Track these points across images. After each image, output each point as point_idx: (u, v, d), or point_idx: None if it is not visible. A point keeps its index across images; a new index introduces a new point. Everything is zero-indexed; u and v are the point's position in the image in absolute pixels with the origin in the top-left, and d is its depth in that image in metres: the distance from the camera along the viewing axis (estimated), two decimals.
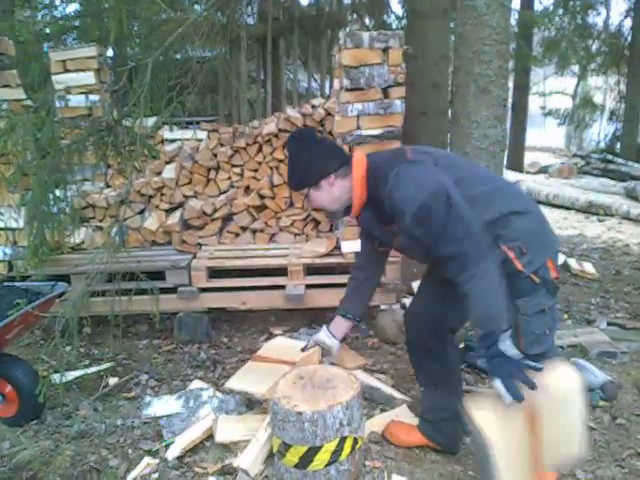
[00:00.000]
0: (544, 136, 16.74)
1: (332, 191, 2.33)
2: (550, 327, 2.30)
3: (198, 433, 2.71)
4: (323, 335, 2.83)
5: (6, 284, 3.33)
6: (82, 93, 4.59)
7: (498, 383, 1.97)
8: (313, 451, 2.25)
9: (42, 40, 7.21)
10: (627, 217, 7.76)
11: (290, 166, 2.40)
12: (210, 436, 2.73)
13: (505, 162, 9.45)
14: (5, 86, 4.39)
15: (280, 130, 4.30)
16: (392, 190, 2.16)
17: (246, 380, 2.87)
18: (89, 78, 4.61)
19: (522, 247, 2.17)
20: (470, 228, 2.09)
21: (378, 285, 2.90)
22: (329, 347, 2.83)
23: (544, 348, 2.28)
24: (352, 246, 3.85)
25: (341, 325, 2.81)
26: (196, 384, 3.22)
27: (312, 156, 2.32)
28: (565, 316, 4.28)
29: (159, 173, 4.52)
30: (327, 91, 8.42)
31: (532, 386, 1.94)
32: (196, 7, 7.18)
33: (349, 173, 2.31)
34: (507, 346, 2.03)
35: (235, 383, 2.89)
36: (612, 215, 7.98)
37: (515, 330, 2.23)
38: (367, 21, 9.44)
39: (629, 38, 11.59)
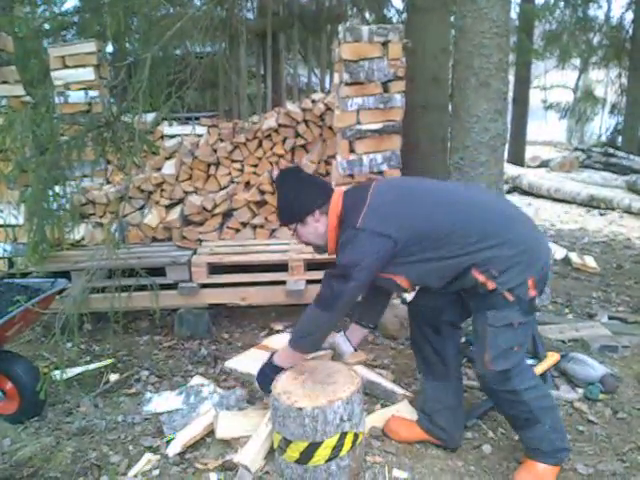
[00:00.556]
0: (545, 130, 16.69)
1: (317, 227, 2.46)
2: (519, 344, 2.30)
3: (199, 429, 2.71)
4: (340, 339, 2.91)
5: (6, 281, 3.33)
6: (81, 89, 4.59)
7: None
8: (314, 447, 2.25)
9: (41, 36, 7.20)
10: (628, 211, 7.75)
11: (278, 203, 2.52)
12: (211, 432, 2.73)
13: (506, 156, 9.44)
14: (4, 82, 4.38)
15: (280, 125, 4.30)
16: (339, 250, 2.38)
17: (245, 363, 2.93)
18: (88, 74, 4.60)
19: (493, 271, 2.21)
20: (342, 299, 2.29)
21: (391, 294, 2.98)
22: (343, 353, 2.88)
23: (510, 364, 2.28)
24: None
25: (357, 332, 2.94)
26: (197, 380, 3.21)
27: (297, 193, 2.45)
28: (566, 310, 4.28)
29: (159, 169, 4.52)
30: (327, 86, 8.39)
31: None
32: (195, 2, 7.16)
33: (326, 215, 2.44)
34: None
35: (234, 363, 2.99)
36: (613, 209, 7.97)
37: (482, 343, 2.30)
38: (367, 15, 9.40)
39: (630, 31, 11.54)
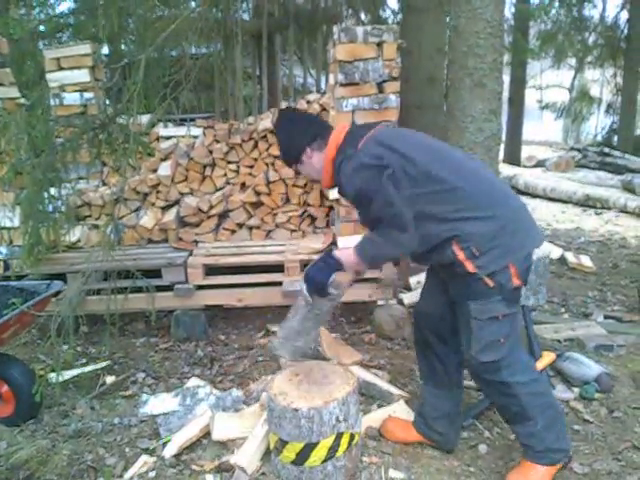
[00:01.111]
0: (541, 129, 16.71)
1: (312, 163, 2.44)
2: (506, 335, 2.25)
3: (195, 431, 2.72)
4: None
5: (1, 283, 3.32)
6: (76, 91, 4.57)
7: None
8: (310, 447, 2.25)
9: (36, 38, 7.17)
10: (624, 210, 7.76)
11: (279, 147, 2.56)
12: (207, 434, 2.73)
13: (502, 156, 9.44)
14: None
15: None
16: (337, 177, 2.35)
17: None
18: (83, 76, 4.59)
19: (473, 249, 2.15)
20: (394, 208, 2.17)
21: None
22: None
23: (497, 356, 2.25)
24: (348, 242, 3.85)
25: None
26: (193, 382, 3.21)
27: (290, 134, 2.46)
28: (562, 309, 4.29)
29: (154, 170, 4.51)
30: (323, 86, 8.39)
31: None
32: (191, 3, 7.15)
33: (324, 146, 2.39)
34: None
35: None
36: (609, 208, 7.98)
37: (468, 334, 2.28)
38: (363, 16, 9.40)
39: (625, 31, 11.57)
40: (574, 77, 15.69)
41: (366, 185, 2.21)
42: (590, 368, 3.14)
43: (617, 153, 10.82)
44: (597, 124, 14.65)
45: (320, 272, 2.34)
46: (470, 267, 2.17)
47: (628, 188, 8.65)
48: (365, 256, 2.30)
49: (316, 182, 2.62)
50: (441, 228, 2.19)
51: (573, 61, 14.64)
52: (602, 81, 14.47)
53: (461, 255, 2.17)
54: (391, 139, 2.30)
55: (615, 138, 12.32)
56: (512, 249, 2.19)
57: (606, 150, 11.06)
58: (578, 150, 12.03)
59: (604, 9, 12.54)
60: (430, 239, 2.22)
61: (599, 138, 13.59)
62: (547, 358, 3.12)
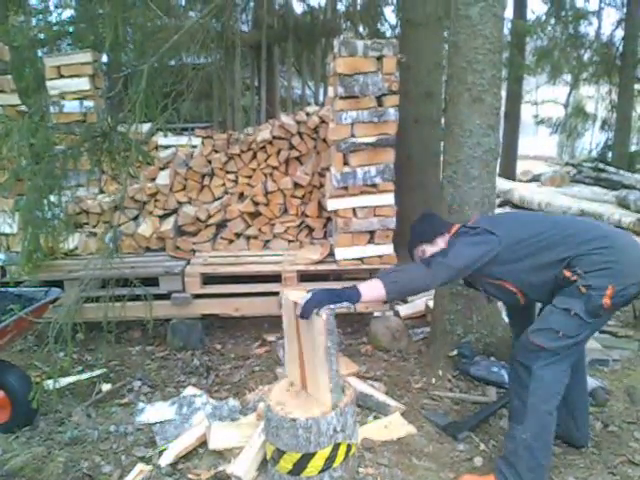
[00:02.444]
0: (536, 145, 16.80)
1: (441, 246, 2.62)
2: (566, 334, 2.32)
3: (191, 440, 2.72)
4: None
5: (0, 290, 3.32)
6: (77, 99, 4.60)
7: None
8: (307, 458, 2.25)
9: (37, 46, 7.20)
10: (619, 226, 7.78)
11: (413, 231, 2.79)
12: (203, 443, 2.73)
13: (497, 170, 9.48)
14: (0, 91, 4.38)
15: (274, 137, 4.32)
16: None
17: None
18: (84, 84, 4.62)
19: (579, 270, 2.33)
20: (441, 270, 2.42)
21: None
22: None
23: (546, 344, 2.32)
24: (346, 253, 3.87)
25: None
26: (189, 390, 3.22)
27: (430, 221, 2.79)
28: None
29: (153, 179, 4.53)
30: (321, 98, 8.44)
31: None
32: (191, 14, 7.20)
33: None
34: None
35: None
36: None
37: (538, 318, 2.45)
38: (361, 29, 9.47)
39: (620, 48, 11.66)
40: (569, 93, 15.81)
41: (462, 238, 2.53)
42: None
43: (612, 169, 10.86)
44: (592, 140, 14.73)
45: (330, 296, 2.31)
46: (573, 278, 2.35)
47: (623, 204, 8.68)
48: (393, 285, 2.37)
49: None
50: (558, 264, 2.40)
51: (569, 77, 14.75)
52: (597, 97, 14.56)
53: (568, 274, 2.37)
54: (494, 221, 2.67)
55: (610, 154, 12.38)
56: (618, 276, 2.32)
57: (601, 166, 11.10)
58: (573, 165, 12.08)
59: (600, 26, 12.66)
60: (548, 279, 2.44)
61: (594, 154, 13.66)
62: None
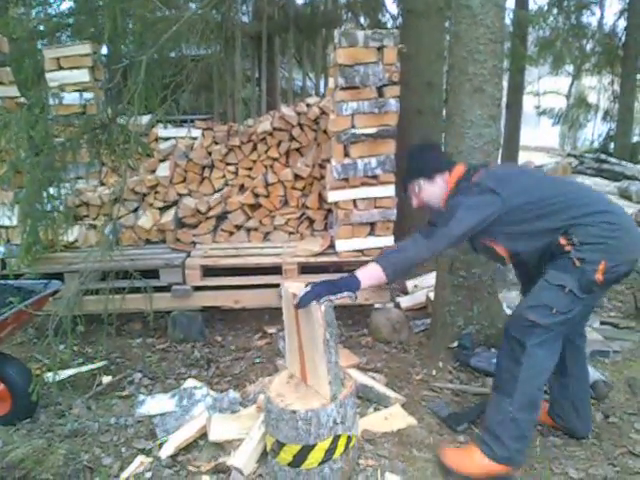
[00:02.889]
0: (538, 135, 16.73)
1: (441, 186, 2.64)
2: (560, 310, 2.34)
3: (192, 432, 2.72)
4: None
5: None
6: (76, 91, 4.57)
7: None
8: (307, 449, 2.25)
9: (36, 37, 7.16)
10: None
11: (410, 160, 2.76)
12: (204, 435, 2.73)
13: (499, 161, 9.43)
14: None
15: (275, 129, 4.31)
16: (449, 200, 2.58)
17: None
18: (83, 76, 4.58)
19: (575, 239, 2.31)
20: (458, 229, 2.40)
21: None
22: None
23: (540, 320, 2.34)
24: (346, 245, 3.86)
25: None
26: (190, 383, 3.21)
27: (433, 154, 2.76)
28: None
29: (153, 171, 4.52)
30: (322, 90, 8.42)
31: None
32: (191, 5, 7.16)
33: (449, 178, 2.64)
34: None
35: None
36: None
37: (531, 293, 2.43)
38: (362, 20, 9.43)
39: (623, 38, 11.59)
40: (571, 84, 15.71)
41: (464, 199, 2.44)
42: None
43: (614, 160, 10.82)
44: (594, 131, 14.68)
45: (329, 287, 2.29)
46: (567, 247, 2.33)
47: (625, 195, 8.65)
48: (392, 266, 2.36)
49: (423, 206, 2.77)
50: (556, 232, 2.37)
51: (571, 68, 14.67)
52: (599, 88, 14.49)
53: (563, 241, 2.34)
54: (502, 178, 2.53)
55: (612, 145, 12.35)
56: (613, 252, 2.32)
57: (603, 157, 11.07)
58: (575, 156, 12.05)
59: (602, 16, 12.59)
60: (543, 245, 2.42)
61: (596, 145, 13.62)
62: None
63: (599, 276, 2.30)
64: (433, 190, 2.67)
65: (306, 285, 2.31)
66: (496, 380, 2.52)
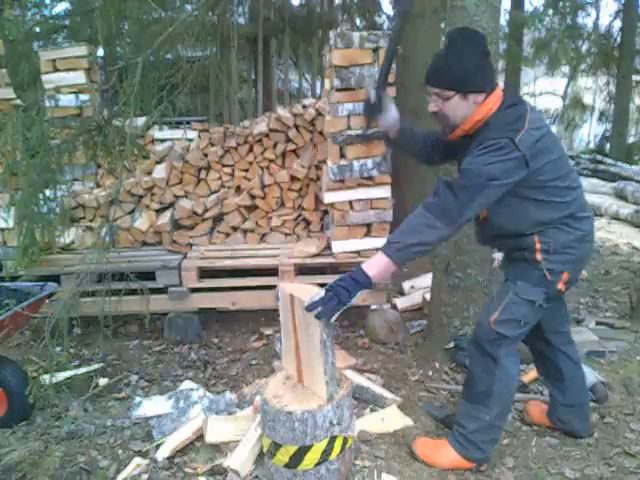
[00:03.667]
0: None
1: (470, 107, 2.29)
2: (528, 322, 2.40)
3: (188, 433, 2.71)
4: None
5: None
6: (72, 93, 4.56)
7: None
8: (303, 451, 2.25)
9: (32, 39, 7.16)
10: (616, 217, 7.80)
11: (450, 60, 2.27)
12: (200, 436, 2.73)
13: None
14: None
15: (271, 130, 4.31)
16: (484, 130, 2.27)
17: None
18: (79, 77, 4.58)
19: (550, 247, 2.28)
20: (469, 208, 2.17)
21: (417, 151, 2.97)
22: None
23: (509, 333, 2.38)
24: (343, 246, 3.86)
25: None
26: (186, 384, 3.22)
27: (480, 64, 2.28)
28: None
29: (149, 173, 4.51)
30: (318, 91, 8.42)
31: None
32: (187, 6, 7.16)
33: (483, 102, 2.29)
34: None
35: None
36: (601, 215, 8.01)
37: (498, 302, 2.41)
38: (358, 21, 9.44)
39: (618, 39, 11.66)
40: (567, 85, 15.77)
41: (496, 153, 2.14)
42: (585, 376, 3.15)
43: (610, 161, 10.87)
44: (590, 132, 14.75)
45: (347, 294, 2.12)
46: (539, 257, 2.30)
47: (620, 195, 8.69)
48: (392, 247, 2.18)
49: (439, 117, 2.40)
50: (536, 227, 2.30)
51: (566, 69, 14.72)
52: (595, 89, 14.55)
53: (538, 246, 2.30)
54: (538, 147, 2.20)
55: (608, 146, 12.39)
56: (575, 261, 2.35)
57: (599, 157, 11.11)
58: (571, 157, 12.08)
59: (598, 17, 12.66)
60: (521, 226, 2.33)
61: (592, 145, 13.68)
62: (533, 373, 3.15)
63: (562, 286, 2.34)
64: (460, 107, 2.30)
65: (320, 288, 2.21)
66: (468, 388, 2.54)
